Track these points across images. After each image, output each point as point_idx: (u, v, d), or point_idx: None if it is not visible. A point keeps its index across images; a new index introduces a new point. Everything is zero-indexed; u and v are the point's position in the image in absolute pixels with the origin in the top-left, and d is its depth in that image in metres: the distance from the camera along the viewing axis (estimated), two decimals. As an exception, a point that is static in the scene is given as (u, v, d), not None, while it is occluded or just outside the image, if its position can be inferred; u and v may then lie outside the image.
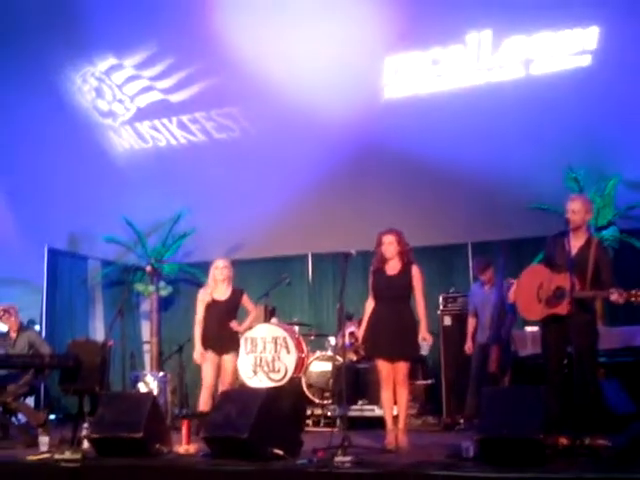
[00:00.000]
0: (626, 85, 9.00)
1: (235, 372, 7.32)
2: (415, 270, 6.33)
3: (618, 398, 6.99)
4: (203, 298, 7.34)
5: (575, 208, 5.77)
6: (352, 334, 9.03)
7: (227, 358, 7.20)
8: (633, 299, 5.34)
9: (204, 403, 7.07)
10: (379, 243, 6.38)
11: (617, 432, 5.62)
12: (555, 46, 9.57)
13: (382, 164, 10.17)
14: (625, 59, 9.00)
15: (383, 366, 6.29)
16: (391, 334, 6.21)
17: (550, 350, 5.81)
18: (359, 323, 7.20)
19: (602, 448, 5.25)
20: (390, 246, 6.33)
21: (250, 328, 8.05)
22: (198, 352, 7.23)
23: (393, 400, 6.33)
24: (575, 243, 5.71)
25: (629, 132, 9.13)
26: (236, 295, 7.38)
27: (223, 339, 7.21)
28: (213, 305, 7.30)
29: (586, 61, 9.41)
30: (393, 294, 6.31)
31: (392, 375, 6.27)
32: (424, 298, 6.38)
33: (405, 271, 6.33)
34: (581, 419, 5.25)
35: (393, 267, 6.37)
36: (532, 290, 5.75)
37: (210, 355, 7.18)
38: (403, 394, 6.28)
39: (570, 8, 9.33)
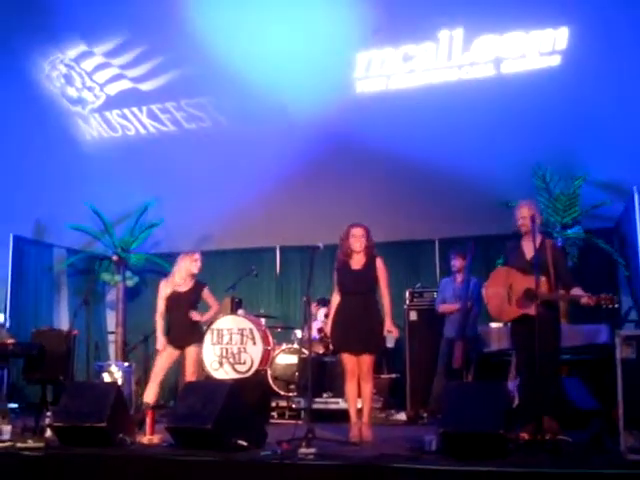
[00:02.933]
0: (594, 86, 9.10)
1: (198, 363, 7.26)
2: (379, 263, 6.40)
3: (579, 395, 7.09)
4: (166, 291, 7.21)
5: (523, 214, 5.99)
6: (321, 330, 9.05)
7: (190, 350, 7.10)
8: (602, 302, 5.53)
9: (154, 394, 7.00)
10: (347, 235, 6.42)
11: (578, 428, 5.73)
12: (525, 46, 9.64)
13: (351, 159, 10.18)
14: (594, 60, 9.10)
15: (348, 359, 6.33)
16: (356, 328, 6.25)
17: (520, 346, 6.04)
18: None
19: (562, 443, 5.34)
20: (361, 239, 6.38)
21: (211, 322, 8.00)
22: (161, 342, 7.09)
23: (357, 393, 6.37)
24: (530, 246, 5.88)
25: (596, 132, 9.23)
26: (198, 288, 7.26)
27: (185, 332, 7.10)
28: (175, 297, 7.17)
29: (556, 61, 9.50)
30: (359, 288, 6.35)
31: (356, 368, 6.31)
32: (389, 290, 6.43)
33: (370, 265, 6.39)
34: (542, 414, 5.36)
35: (358, 261, 6.42)
36: (502, 292, 5.98)
37: (169, 349, 7.08)
38: (367, 387, 6.33)
39: (541, 8, 9.42)
